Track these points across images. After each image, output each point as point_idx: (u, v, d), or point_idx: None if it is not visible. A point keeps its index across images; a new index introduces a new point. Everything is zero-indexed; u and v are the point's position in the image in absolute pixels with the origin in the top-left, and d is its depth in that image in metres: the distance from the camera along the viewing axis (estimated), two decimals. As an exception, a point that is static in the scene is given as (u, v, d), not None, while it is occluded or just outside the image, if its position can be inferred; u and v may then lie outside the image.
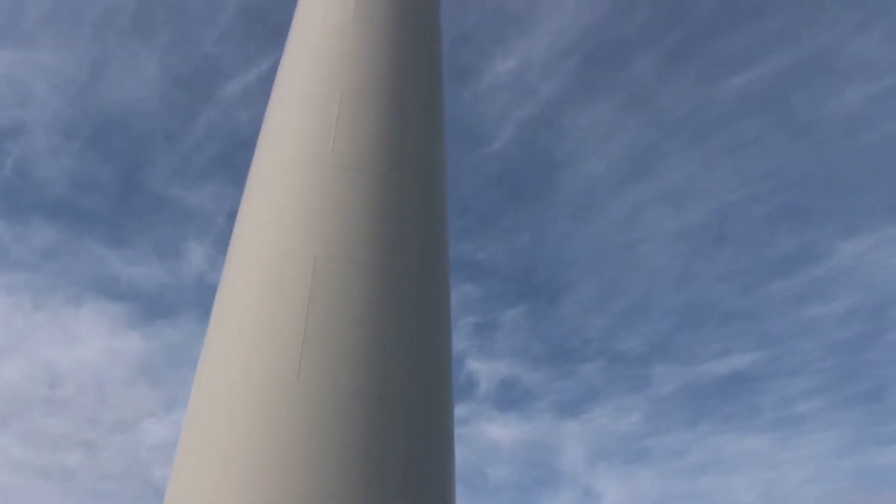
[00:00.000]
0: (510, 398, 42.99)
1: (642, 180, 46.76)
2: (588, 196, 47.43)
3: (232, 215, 6.60)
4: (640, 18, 44.79)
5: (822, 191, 44.71)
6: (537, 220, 47.26)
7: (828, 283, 42.92)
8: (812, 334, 42.12)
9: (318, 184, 5.96)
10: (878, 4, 42.25)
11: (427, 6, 7.96)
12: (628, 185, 46.76)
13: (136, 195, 43.50)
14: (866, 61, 42.25)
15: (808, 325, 42.18)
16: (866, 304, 41.40)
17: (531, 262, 47.25)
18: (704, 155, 46.24)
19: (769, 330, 42.68)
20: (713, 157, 46.44)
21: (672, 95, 45.73)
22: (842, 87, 42.87)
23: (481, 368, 43.74)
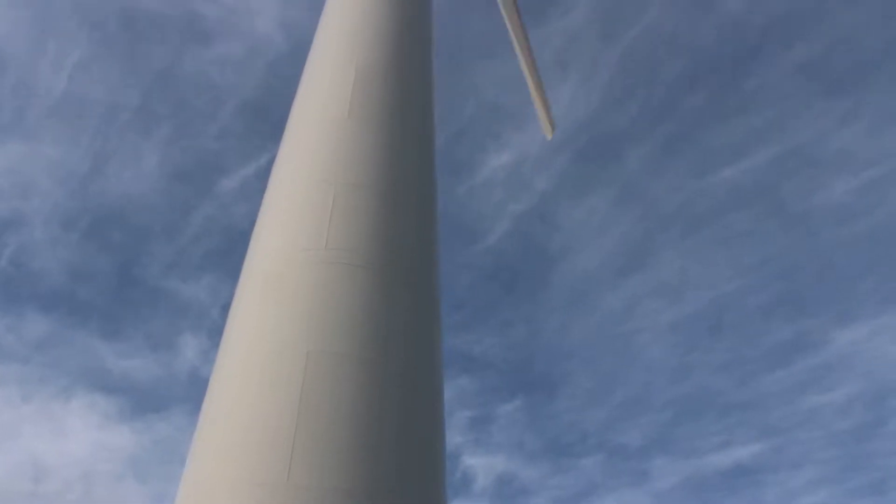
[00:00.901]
0: (507, 494, 41.65)
1: (637, 272, 45.95)
2: (583, 288, 47.24)
3: (227, 308, 6.67)
4: (631, 113, 43.12)
5: (816, 280, 44.70)
6: (533, 313, 47.01)
7: (826, 372, 42.59)
8: (813, 424, 41.33)
9: (311, 278, 5.97)
10: (860, 99, 40.74)
11: (422, 103, 8.06)
12: (623, 277, 46.64)
13: (131, 287, 43.14)
14: (851, 153, 40.92)
15: (808, 415, 41.58)
16: (866, 393, 41.09)
17: (527, 355, 46.91)
18: (698, 246, 45.27)
19: (769, 420, 41.93)
20: (707, 249, 45.49)
21: (664, 188, 44.50)
22: (830, 178, 41.77)
23: (477, 464, 42.80)
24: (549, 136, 22.54)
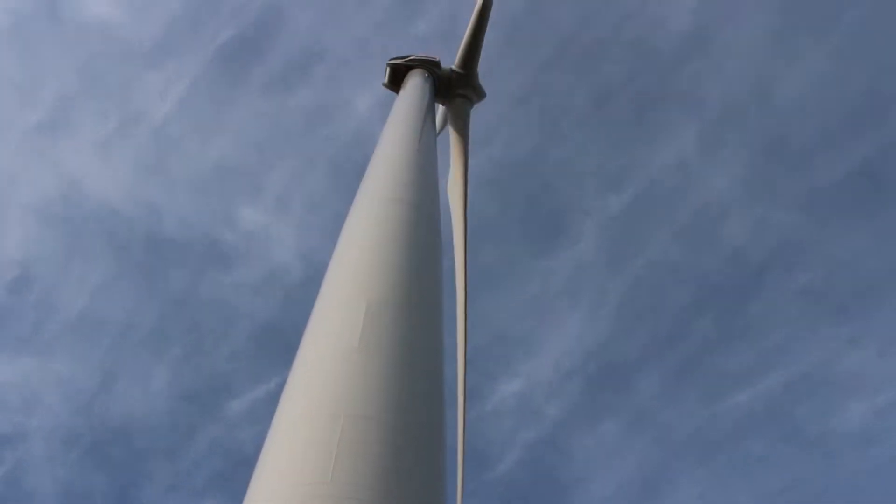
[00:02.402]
0: None
1: (652, 501, 46.02)
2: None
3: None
4: (640, 340, 45.81)
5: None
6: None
7: None
8: None
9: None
10: (866, 322, 43.24)
11: (431, 335, 8.18)
12: (638, 506, 45.75)
13: (127, 510, 42.05)
14: (864, 376, 42.71)
15: None
16: None
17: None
18: (714, 473, 45.50)
19: None
20: (723, 476, 45.69)
21: (677, 414, 45.87)
22: (844, 401, 43.04)
23: None
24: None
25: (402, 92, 19.91)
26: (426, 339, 8.05)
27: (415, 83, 20.34)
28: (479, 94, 23.18)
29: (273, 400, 7.88)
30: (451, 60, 23.31)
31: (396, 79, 21.65)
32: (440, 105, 23.34)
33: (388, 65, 21.99)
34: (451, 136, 23.40)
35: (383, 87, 22.20)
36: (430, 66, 22.08)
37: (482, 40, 23.08)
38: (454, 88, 22.72)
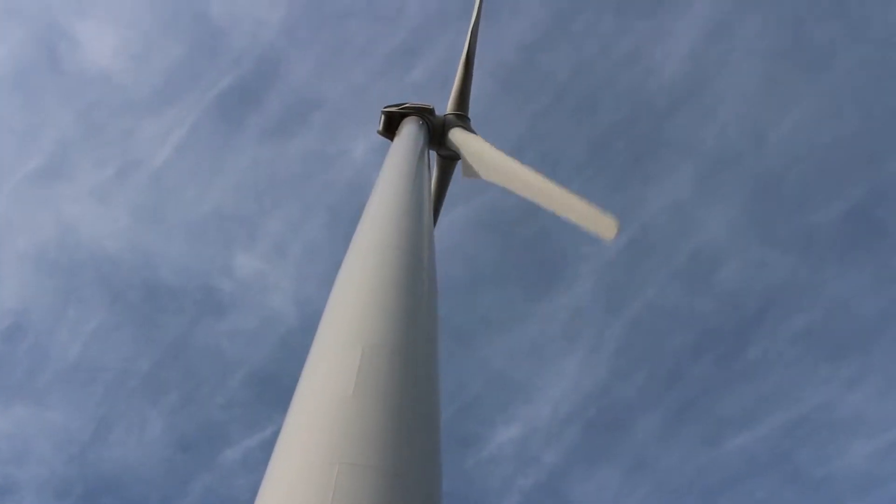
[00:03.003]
0: None
1: None
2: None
3: None
4: (639, 383, 45.87)
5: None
6: None
7: None
8: None
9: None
10: (864, 363, 43.37)
11: (427, 381, 8.14)
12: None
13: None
14: (864, 417, 42.64)
15: None
16: None
17: None
18: None
19: None
20: None
21: (677, 458, 45.58)
22: (845, 442, 42.87)
23: None
24: (612, 235, 17.39)
25: (396, 139, 20.11)
26: (421, 385, 8.04)
27: (409, 130, 20.57)
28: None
29: (268, 448, 7.87)
30: (444, 108, 23.66)
31: (391, 126, 21.91)
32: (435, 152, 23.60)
33: (383, 112, 22.27)
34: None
35: (377, 135, 22.45)
36: (423, 113, 22.37)
37: (469, 86, 23.43)
38: (447, 134, 22.99)
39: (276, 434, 8.36)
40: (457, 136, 22.46)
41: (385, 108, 22.55)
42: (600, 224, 17.21)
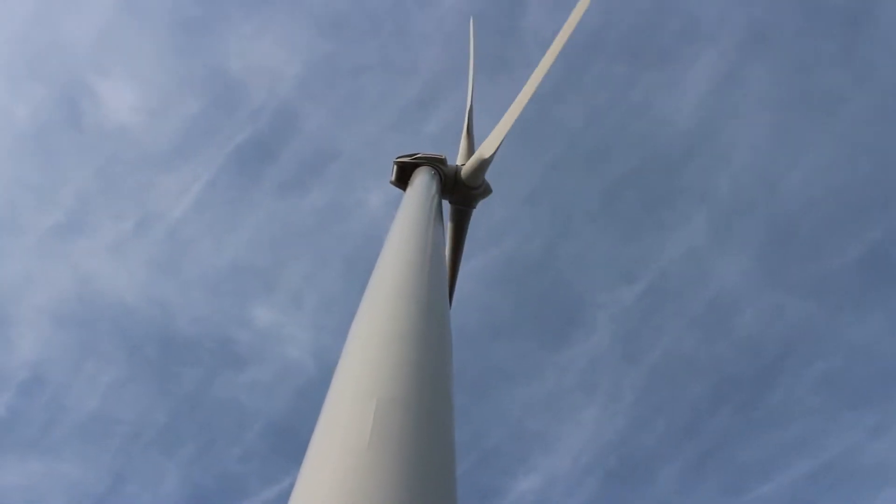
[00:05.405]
0: None
1: None
2: None
3: None
4: (658, 430, 45.79)
5: None
6: None
7: None
8: None
9: None
10: (889, 409, 42.83)
11: (443, 432, 8.13)
12: None
13: None
14: (891, 464, 42.08)
15: None
16: None
17: None
18: None
19: None
20: None
21: None
22: (872, 491, 42.26)
23: None
24: None
25: (409, 189, 20.29)
26: (437, 438, 7.98)
27: (421, 180, 20.76)
28: (485, 190, 23.63)
29: (284, 499, 7.84)
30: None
31: (404, 176, 22.13)
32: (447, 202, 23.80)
33: (395, 163, 22.52)
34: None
35: (391, 185, 22.67)
36: (436, 163, 22.59)
37: (472, 137, 23.84)
38: (460, 185, 23.21)
39: (292, 486, 8.37)
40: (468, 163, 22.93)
41: (397, 158, 22.84)
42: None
